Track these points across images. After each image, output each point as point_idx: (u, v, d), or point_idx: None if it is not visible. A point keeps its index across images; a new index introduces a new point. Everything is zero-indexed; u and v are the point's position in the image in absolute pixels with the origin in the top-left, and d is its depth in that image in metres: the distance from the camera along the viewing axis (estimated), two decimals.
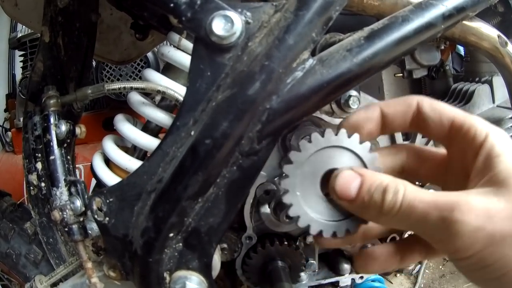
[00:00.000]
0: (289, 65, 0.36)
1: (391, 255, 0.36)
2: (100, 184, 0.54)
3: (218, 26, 0.36)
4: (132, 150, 0.56)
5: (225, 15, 0.36)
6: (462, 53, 0.85)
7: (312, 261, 0.59)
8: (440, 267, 1.68)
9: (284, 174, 0.34)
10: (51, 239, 0.63)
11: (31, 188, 0.58)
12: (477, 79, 0.71)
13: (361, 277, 0.65)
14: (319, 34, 0.37)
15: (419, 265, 1.61)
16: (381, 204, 0.30)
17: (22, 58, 1.70)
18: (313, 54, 0.38)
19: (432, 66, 0.66)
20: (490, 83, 0.68)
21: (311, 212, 0.34)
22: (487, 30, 0.57)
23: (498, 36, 0.57)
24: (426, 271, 1.66)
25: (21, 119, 1.48)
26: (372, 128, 0.35)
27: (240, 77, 0.36)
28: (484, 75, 0.71)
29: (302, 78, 0.36)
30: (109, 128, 1.46)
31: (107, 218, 0.43)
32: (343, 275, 0.63)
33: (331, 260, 0.64)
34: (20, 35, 1.62)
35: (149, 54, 1.44)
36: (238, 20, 0.36)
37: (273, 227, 0.54)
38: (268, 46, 0.36)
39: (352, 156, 0.34)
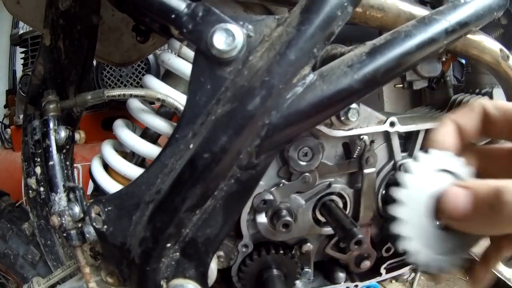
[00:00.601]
0: (290, 81, 0.36)
1: (493, 259, 0.36)
2: (98, 188, 0.54)
3: (219, 40, 0.35)
4: (131, 155, 0.56)
5: (226, 29, 0.35)
6: (463, 61, 0.84)
7: (307, 269, 0.60)
8: None
9: (397, 219, 0.32)
10: (49, 242, 0.63)
11: (30, 191, 0.58)
12: (477, 90, 0.71)
13: (356, 286, 0.65)
14: (320, 49, 0.37)
15: (414, 272, 1.61)
16: (502, 208, 0.28)
17: (23, 55, 1.70)
18: (313, 68, 0.37)
19: (432, 77, 0.66)
20: (490, 95, 0.67)
21: (431, 252, 0.32)
22: (489, 44, 0.57)
23: (500, 50, 0.57)
24: (422, 277, 1.66)
25: (21, 116, 1.48)
26: (453, 143, 0.35)
27: (240, 92, 0.36)
28: (485, 87, 0.71)
29: (302, 93, 0.36)
30: (108, 128, 1.45)
31: (105, 226, 0.43)
32: (338, 283, 0.63)
33: (327, 269, 0.64)
34: (21, 32, 1.62)
35: (150, 57, 1.44)
36: (239, 34, 0.36)
37: (269, 235, 0.54)
38: (269, 61, 0.36)
39: (451, 177, 0.33)
